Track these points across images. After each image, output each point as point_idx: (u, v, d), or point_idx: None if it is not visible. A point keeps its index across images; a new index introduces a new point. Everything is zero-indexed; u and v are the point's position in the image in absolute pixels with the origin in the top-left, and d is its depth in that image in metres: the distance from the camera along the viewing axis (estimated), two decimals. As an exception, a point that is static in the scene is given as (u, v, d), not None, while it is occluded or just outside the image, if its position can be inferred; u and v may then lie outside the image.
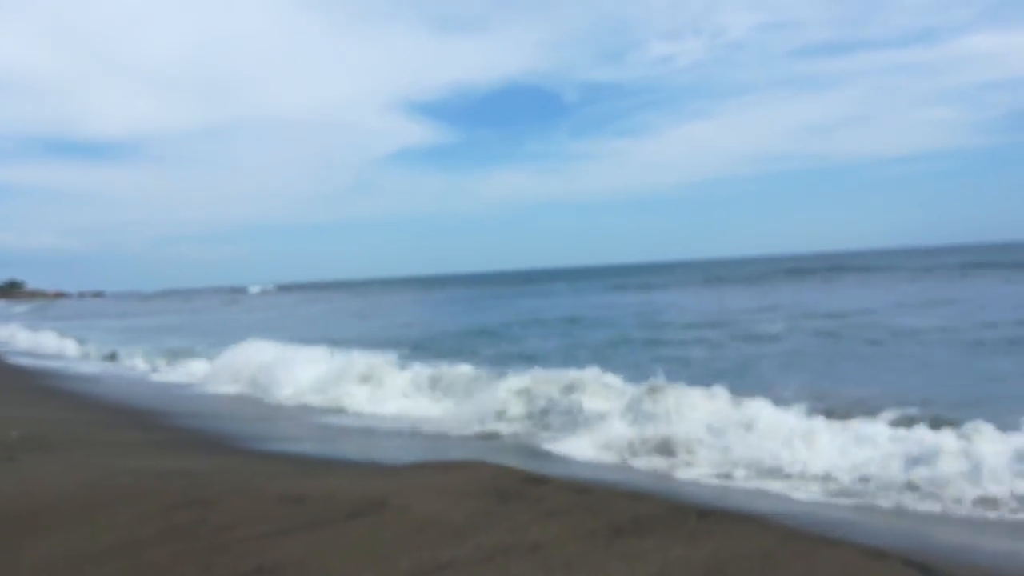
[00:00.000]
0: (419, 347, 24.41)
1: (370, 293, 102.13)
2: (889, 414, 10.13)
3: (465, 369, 15.85)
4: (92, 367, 26.04)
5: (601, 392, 12.33)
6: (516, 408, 12.62)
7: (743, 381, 13.41)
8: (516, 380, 13.42)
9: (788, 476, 8.50)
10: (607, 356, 18.69)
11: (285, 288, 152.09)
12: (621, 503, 6.44)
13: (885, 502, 7.57)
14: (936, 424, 9.02)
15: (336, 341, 22.39)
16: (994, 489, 7.36)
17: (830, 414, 10.05)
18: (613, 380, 12.99)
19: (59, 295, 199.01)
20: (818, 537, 5.59)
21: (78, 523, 6.28)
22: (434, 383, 15.52)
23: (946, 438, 8.29)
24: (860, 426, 9.17)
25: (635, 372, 13.08)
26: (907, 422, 9.56)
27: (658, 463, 9.49)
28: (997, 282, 40.05)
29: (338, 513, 6.25)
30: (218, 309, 73.78)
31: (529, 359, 18.58)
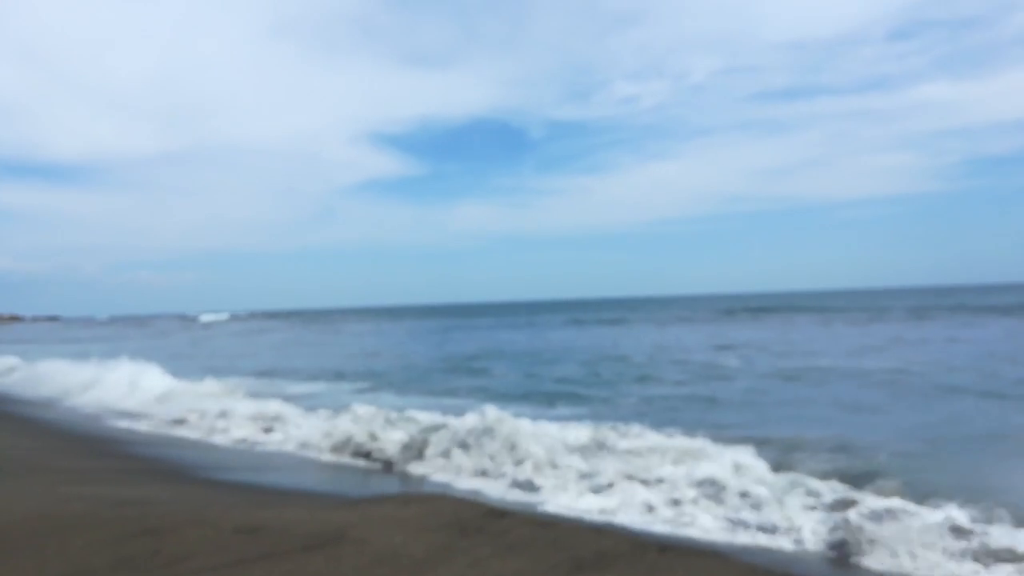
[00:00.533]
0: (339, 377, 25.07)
1: (329, 322, 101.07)
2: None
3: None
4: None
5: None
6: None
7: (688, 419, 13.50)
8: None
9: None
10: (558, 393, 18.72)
11: (239, 318, 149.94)
12: (584, 537, 6.42)
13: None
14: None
15: (241, 371, 23.48)
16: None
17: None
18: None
19: (13, 318, 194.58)
20: (780, 572, 5.63)
21: (27, 552, 6.09)
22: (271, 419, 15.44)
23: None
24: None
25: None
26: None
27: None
28: (948, 326, 40.84)
29: (294, 545, 6.15)
30: (157, 337, 70.83)
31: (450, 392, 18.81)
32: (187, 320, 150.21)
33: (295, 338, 59.57)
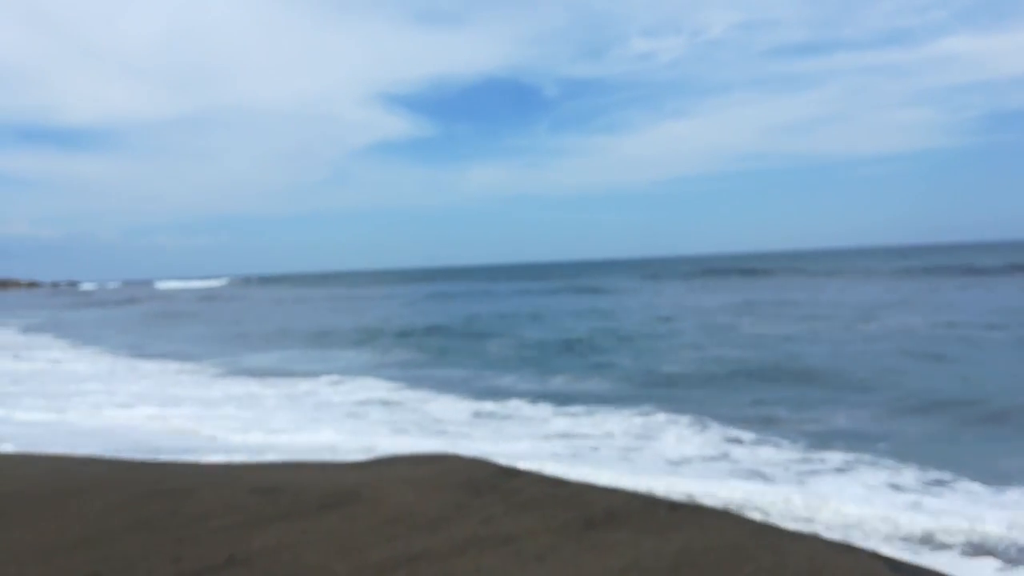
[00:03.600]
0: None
1: (340, 285, 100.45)
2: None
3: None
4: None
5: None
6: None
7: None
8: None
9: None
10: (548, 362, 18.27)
11: (249, 281, 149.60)
12: (594, 496, 6.47)
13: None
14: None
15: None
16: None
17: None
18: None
19: (32, 284, 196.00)
20: (787, 531, 5.65)
21: (47, 513, 6.21)
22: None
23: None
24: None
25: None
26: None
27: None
28: (961, 285, 40.44)
29: (310, 505, 6.24)
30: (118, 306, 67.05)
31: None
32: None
33: (290, 305, 58.28)
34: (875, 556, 5.07)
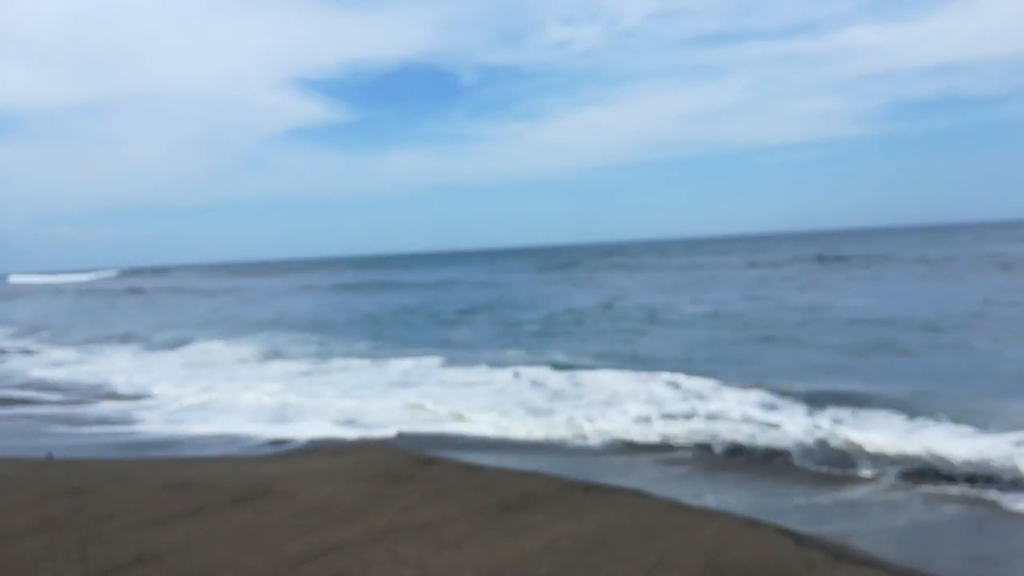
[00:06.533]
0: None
1: (243, 275, 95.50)
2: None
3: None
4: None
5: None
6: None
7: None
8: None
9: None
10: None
11: (134, 272, 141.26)
12: (511, 481, 6.55)
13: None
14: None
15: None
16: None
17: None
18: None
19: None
20: (697, 508, 5.83)
21: (-60, 517, 5.93)
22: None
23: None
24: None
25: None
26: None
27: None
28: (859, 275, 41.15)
29: (222, 500, 6.13)
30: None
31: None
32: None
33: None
34: (780, 530, 5.27)
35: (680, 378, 11.39)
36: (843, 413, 8.84)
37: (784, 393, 10.19)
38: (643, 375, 11.84)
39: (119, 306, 42.72)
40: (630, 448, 8.48)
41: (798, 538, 5.11)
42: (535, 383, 12.00)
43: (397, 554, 4.79)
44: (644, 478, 7.12)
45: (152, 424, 10.63)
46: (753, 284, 32.38)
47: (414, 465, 7.23)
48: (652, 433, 8.71)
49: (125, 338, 23.61)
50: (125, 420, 10.94)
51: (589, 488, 6.27)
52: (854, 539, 5.36)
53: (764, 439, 8.15)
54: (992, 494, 6.44)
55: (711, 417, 9.08)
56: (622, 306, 25.50)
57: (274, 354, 17.58)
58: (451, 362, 14.78)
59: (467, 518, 5.51)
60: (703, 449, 8.18)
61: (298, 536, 5.18)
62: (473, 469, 7.12)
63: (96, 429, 10.35)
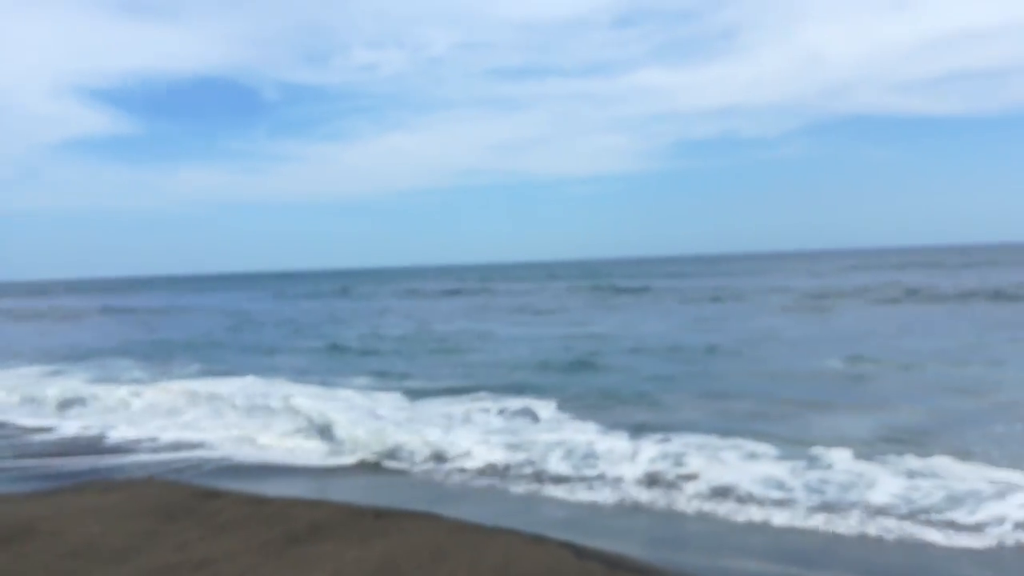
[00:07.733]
0: None
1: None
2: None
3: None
4: None
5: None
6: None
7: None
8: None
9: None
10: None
11: None
12: (299, 511, 6.36)
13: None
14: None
15: None
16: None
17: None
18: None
19: None
20: (485, 527, 5.93)
21: None
22: None
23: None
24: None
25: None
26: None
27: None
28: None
29: (-28, 545, 5.52)
30: None
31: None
32: None
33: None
34: (563, 545, 5.47)
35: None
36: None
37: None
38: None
39: None
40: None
41: (578, 551, 5.32)
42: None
43: (170, 595, 4.52)
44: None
45: None
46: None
47: (193, 499, 6.85)
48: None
49: None
50: None
51: (380, 514, 6.21)
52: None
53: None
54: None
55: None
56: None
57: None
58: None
59: (250, 552, 5.29)
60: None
61: (58, 582, 4.76)
62: (260, 501, 6.84)
63: None
